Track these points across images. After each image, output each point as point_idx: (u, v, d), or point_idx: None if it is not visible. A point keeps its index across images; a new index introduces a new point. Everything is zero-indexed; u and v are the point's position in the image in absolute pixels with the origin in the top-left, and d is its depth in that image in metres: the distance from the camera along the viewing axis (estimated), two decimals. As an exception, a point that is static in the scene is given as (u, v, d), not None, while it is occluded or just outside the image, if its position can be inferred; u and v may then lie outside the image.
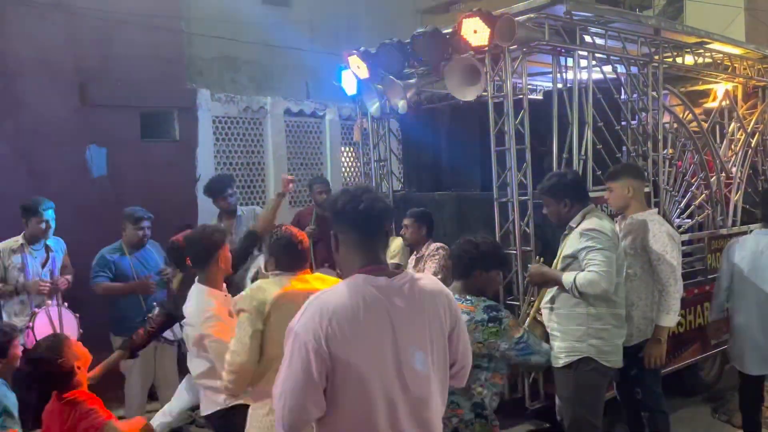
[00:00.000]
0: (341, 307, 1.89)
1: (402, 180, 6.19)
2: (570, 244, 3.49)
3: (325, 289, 2.04)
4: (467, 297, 3.05)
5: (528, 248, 4.32)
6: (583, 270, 3.37)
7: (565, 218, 3.59)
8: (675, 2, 13.64)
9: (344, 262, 2.05)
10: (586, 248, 3.37)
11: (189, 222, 5.35)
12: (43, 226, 4.60)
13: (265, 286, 2.97)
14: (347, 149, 8.59)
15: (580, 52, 4.45)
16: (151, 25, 6.46)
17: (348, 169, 8.66)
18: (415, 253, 4.82)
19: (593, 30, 4.55)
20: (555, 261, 3.61)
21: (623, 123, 4.83)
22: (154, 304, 4.73)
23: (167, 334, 4.49)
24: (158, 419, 4.28)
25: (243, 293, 3.03)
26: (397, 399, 1.91)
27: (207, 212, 6.77)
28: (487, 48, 4.25)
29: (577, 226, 3.50)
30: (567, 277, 3.40)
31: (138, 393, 4.85)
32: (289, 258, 3.05)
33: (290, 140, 7.91)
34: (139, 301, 4.84)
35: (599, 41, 4.59)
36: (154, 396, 5.09)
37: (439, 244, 4.68)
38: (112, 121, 6.29)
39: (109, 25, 6.26)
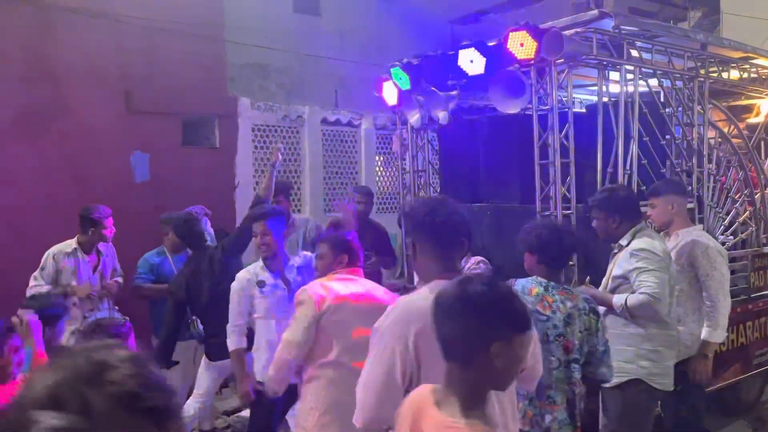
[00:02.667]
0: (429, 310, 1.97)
1: (439, 191, 6.19)
2: (620, 264, 3.45)
3: (411, 294, 2.19)
4: (565, 286, 2.99)
5: (570, 262, 4.28)
6: (634, 291, 3.33)
7: (612, 234, 3.56)
8: (710, 15, 13.49)
9: (423, 269, 2.23)
10: (637, 269, 3.33)
11: (225, 228, 5.41)
12: (107, 233, 4.72)
13: None
14: (381, 158, 8.63)
15: (626, 66, 4.44)
16: (194, 34, 6.58)
17: (382, 179, 8.69)
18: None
19: (639, 44, 4.53)
20: (604, 281, 3.58)
21: (667, 137, 4.80)
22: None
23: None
24: (192, 407, 4.39)
25: None
26: None
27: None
28: (532, 61, 4.25)
29: (627, 245, 3.45)
30: (618, 299, 3.37)
31: (178, 393, 4.91)
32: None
33: (326, 149, 7.97)
34: None
35: (645, 55, 4.57)
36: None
37: (479, 258, 4.64)
38: (155, 127, 6.42)
39: (153, 34, 6.39)
